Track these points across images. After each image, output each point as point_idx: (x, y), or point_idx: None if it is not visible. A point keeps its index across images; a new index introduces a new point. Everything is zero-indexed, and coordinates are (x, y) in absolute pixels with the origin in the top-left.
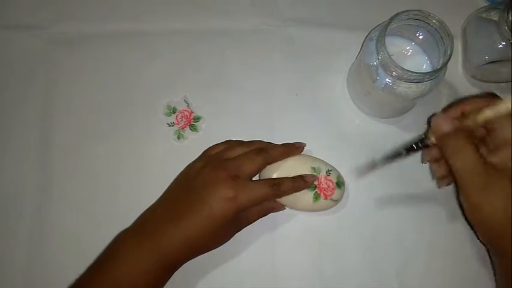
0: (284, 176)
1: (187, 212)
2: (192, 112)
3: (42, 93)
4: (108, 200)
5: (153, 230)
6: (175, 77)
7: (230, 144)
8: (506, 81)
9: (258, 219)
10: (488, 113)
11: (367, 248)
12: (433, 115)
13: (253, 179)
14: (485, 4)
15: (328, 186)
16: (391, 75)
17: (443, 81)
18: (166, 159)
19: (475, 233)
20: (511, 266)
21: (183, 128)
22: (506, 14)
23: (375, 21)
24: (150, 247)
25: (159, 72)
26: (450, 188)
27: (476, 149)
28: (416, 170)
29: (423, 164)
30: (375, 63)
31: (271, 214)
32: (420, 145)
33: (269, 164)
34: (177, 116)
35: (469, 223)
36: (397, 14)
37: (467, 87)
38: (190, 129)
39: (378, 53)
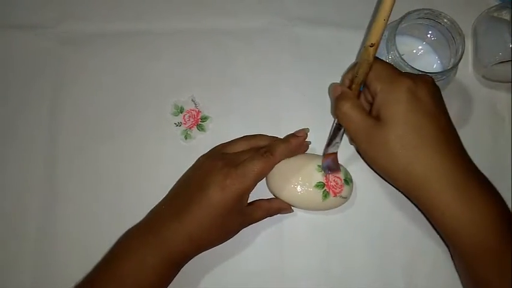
0: (290, 175)
1: (188, 205)
2: (199, 112)
3: (48, 92)
4: (114, 200)
5: (157, 226)
6: (182, 76)
7: (233, 140)
8: None
9: (264, 218)
10: (356, 69)
11: (375, 247)
12: None
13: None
14: (496, 3)
15: (337, 184)
16: None
17: (453, 80)
18: (173, 160)
19: None
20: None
21: (190, 128)
22: None
23: None
24: (155, 243)
25: (166, 71)
26: None
27: (359, 109)
28: None
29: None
30: None
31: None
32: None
33: (275, 164)
34: (184, 116)
35: None
36: (408, 13)
37: (478, 87)
38: (198, 129)
39: (388, 53)
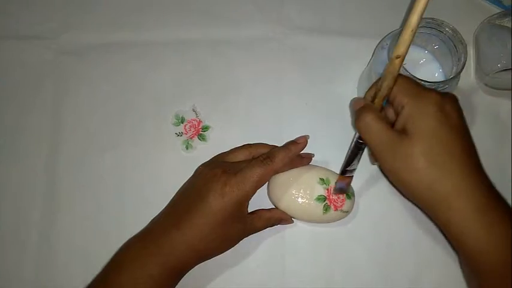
0: (292, 186)
1: (188, 214)
2: (200, 121)
3: (50, 103)
4: (116, 210)
5: (157, 235)
6: (183, 86)
7: (233, 148)
8: None
9: (265, 228)
10: (380, 83)
11: (379, 260)
12: None
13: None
14: (498, 11)
15: (338, 197)
16: None
17: (456, 89)
18: (174, 170)
19: None
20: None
21: (191, 138)
22: None
23: (386, 29)
24: (155, 252)
25: (167, 81)
26: None
27: (383, 122)
28: None
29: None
30: None
31: (280, 225)
32: (359, 140)
33: (274, 173)
34: (185, 126)
35: None
36: None
37: (480, 95)
38: (199, 139)
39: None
